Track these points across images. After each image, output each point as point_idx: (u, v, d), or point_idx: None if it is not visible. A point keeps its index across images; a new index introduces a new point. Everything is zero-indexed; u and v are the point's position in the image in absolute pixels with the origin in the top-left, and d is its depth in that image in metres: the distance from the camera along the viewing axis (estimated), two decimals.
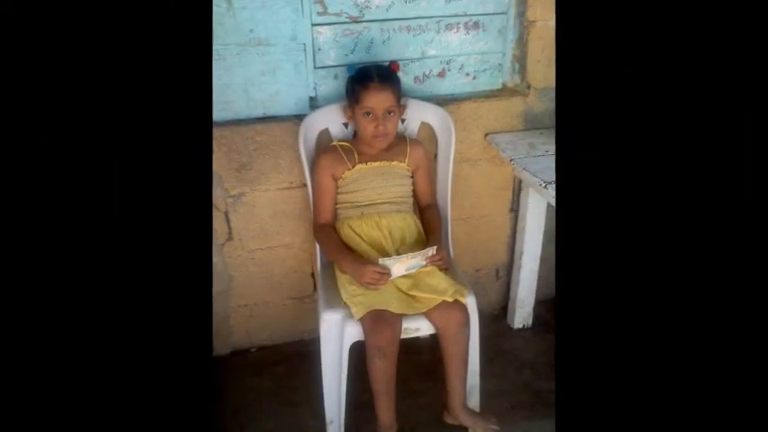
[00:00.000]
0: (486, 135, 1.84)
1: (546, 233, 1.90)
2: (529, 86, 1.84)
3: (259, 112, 1.68)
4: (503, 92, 1.88)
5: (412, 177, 1.67)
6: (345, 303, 1.50)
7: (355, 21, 1.67)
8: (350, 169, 1.60)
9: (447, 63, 1.80)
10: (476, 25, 1.78)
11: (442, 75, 1.81)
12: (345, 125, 1.71)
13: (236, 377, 1.84)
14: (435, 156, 1.79)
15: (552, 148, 1.70)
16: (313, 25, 1.64)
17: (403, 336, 1.47)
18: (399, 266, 1.48)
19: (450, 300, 1.46)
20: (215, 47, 1.56)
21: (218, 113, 1.62)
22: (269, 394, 1.78)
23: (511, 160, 1.68)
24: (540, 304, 2.06)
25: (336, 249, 1.57)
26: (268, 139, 1.68)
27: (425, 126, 1.76)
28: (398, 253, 1.54)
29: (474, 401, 1.63)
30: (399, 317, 1.46)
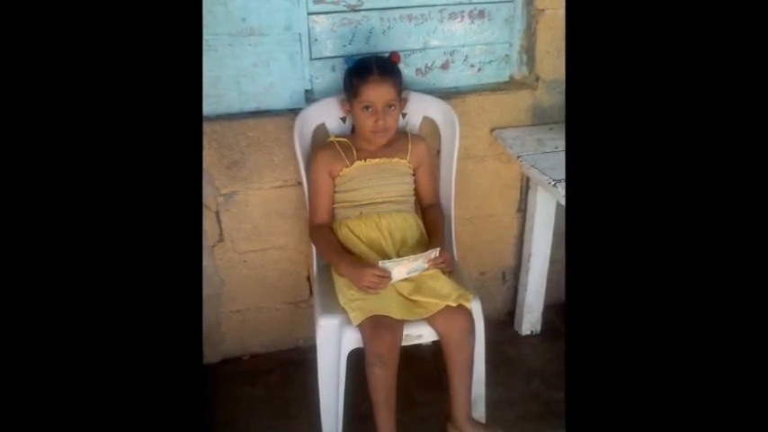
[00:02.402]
0: (492, 130, 1.84)
1: (555, 234, 1.90)
2: (537, 79, 1.84)
3: (252, 106, 1.69)
4: (510, 85, 1.87)
5: (413, 175, 1.67)
6: (343, 308, 1.50)
7: (353, 9, 1.67)
8: (348, 166, 1.60)
9: (451, 54, 1.80)
10: (481, 14, 1.77)
11: (445, 66, 1.81)
12: (343, 120, 1.71)
13: (228, 386, 1.84)
14: (438, 152, 1.79)
15: (562, 144, 1.69)
16: (309, 14, 1.64)
17: (404, 343, 1.47)
18: (400, 269, 1.48)
19: (454, 304, 1.46)
20: (205, 37, 1.56)
21: (208, 107, 1.62)
22: (262, 404, 1.78)
23: (518, 157, 1.68)
24: (549, 309, 2.05)
25: (333, 251, 1.57)
26: (261, 135, 1.68)
27: (428, 121, 1.76)
28: (399, 255, 1.54)
29: (479, 412, 1.63)
30: (400, 323, 1.46)
